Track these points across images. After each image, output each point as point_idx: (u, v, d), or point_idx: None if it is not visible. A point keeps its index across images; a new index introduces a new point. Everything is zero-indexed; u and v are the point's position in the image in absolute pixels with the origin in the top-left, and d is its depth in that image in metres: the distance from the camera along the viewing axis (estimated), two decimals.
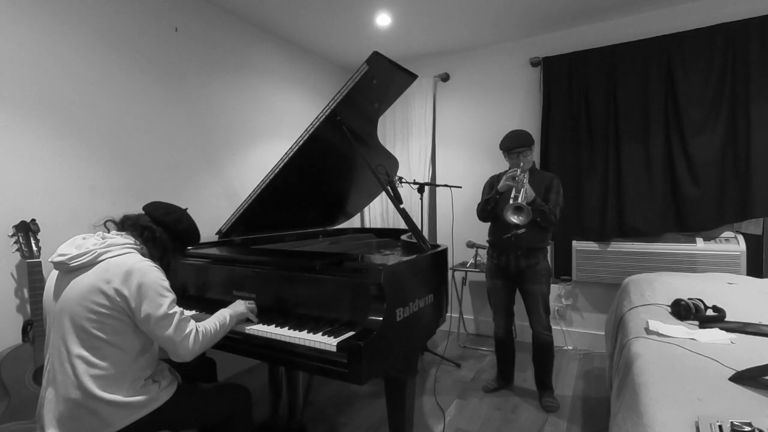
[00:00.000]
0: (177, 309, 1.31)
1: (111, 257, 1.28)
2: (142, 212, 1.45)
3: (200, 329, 1.37)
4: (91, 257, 1.26)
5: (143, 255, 1.35)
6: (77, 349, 1.22)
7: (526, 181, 2.28)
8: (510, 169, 2.41)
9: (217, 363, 1.87)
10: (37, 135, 2.01)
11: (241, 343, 1.63)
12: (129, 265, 1.26)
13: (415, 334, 1.72)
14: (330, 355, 1.41)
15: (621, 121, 3.09)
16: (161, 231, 1.41)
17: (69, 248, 1.30)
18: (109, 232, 1.38)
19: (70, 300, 1.25)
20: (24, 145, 1.96)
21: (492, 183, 2.60)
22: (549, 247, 2.50)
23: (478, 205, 2.55)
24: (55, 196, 2.07)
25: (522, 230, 2.31)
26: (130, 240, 1.35)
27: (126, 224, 1.41)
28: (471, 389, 2.72)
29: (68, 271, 1.28)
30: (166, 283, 1.31)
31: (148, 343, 1.34)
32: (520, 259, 2.44)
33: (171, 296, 1.30)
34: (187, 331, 1.32)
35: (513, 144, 2.46)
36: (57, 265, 1.30)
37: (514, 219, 2.15)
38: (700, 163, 2.86)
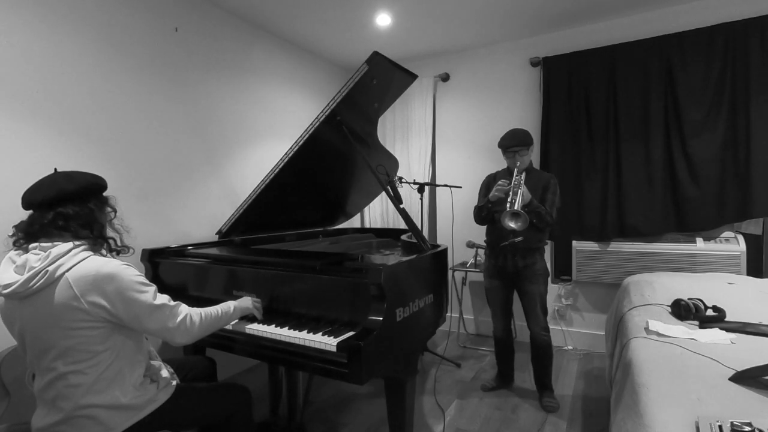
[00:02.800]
0: (163, 298, 1.27)
1: (66, 271, 1.15)
2: (30, 213, 1.26)
3: (199, 312, 1.37)
4: (45, 279, 1.13)
5: (96, 251, 1.25)
6: (66, 367, 1.17)
7: (522, 182, 2.27)
8: (501, 180, 2.36)
9: (217, 363, 1.87)
10: (37, 134, 2.00)
11: (241, 343, 1.64)
12: (94, 274, 1.16)
13: (415, 334, 1.72)
14: (330, 355, 1.41)
15: (621, 121, 3.09)
16: (68, 205, 1.22)
17: (10, 274, 1.17)
18: (37, 245, 1.20)
19: (42, 326, 1.17)
20: (24, 144, 1.96)
21: (488, 183, 2.62)
22: (546, 247, 2.50)
23: (474, 208, 2.58)
24: None
25: (519, 238, 2.32)
26: (69, 242, 1.19)
27: (35, 231, 1.22)
28: (471, 389, 2.72)
29: (22, 298, 1.17)
30: (141, 277, 1.25)
31: (137, 337, 1.31)
32: (517, 259, 2.45)
33: (151, 288, 1.25)
34: (181, 316, 1.30)
35: (510, 143, 2.47)
36: (9, 296, 1.17)
37: (512, 224, 2.14)
38: (700, 163, 2.86)
